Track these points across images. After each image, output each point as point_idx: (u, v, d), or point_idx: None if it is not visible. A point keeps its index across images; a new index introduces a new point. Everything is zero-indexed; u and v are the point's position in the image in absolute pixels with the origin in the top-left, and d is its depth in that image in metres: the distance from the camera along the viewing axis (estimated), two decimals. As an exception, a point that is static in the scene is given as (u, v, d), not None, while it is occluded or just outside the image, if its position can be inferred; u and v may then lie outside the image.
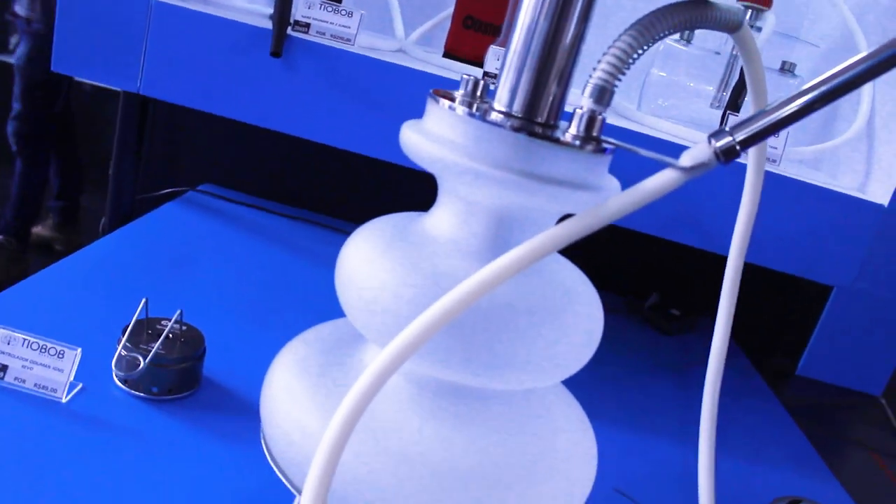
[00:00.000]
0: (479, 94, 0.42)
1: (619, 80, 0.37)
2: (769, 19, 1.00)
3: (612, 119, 0.91)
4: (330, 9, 0.87)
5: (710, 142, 0.37)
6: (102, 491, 0.49)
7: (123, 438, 0.55)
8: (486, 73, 0.90)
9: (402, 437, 0.41)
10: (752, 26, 0.99)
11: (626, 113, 0.98)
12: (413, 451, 0.40)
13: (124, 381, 0.59)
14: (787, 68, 0.99)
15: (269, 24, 0.84)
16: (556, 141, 0.38)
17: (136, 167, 1.12)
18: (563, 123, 0.42)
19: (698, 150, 0.37)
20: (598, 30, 0.43)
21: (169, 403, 0.60)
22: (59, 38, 0.86)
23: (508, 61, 0.41)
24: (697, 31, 1.04)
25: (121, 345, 0.59)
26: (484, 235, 0.41)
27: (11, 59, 2.19)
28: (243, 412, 0.62)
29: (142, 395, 0.59)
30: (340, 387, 0.43)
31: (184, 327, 0.62)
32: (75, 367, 0.57)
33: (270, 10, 0.85)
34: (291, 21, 0.86)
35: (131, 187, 1.12)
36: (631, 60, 0.38)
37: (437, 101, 0.41)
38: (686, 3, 0.39)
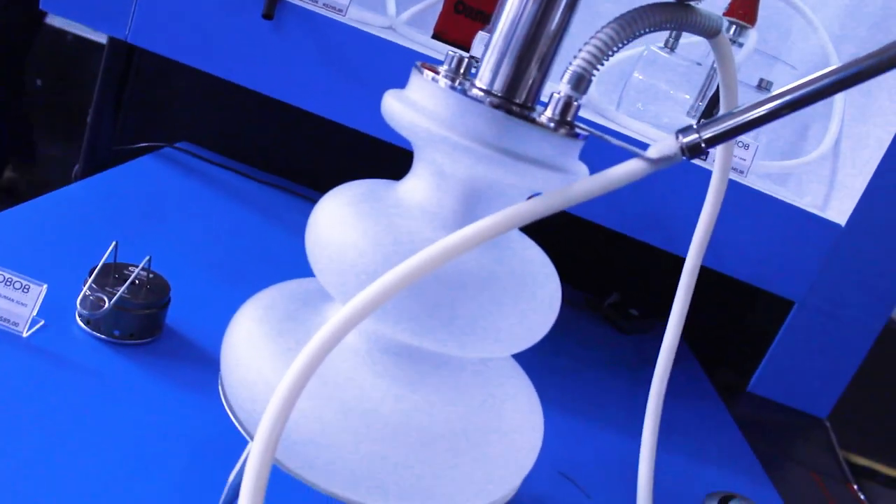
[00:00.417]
0: (461, 71, 0.43)
1: (598, 69, 0.39)
2: (751, 36, 1.03)
3: (590, 116, 0.93)
4: (324, -22, 0.88)
5: (677, 137, 0.38)
6: (57, 426, 0.50)
7: (81, 377, 0.56)
8: (471, 57, 0.92)
9: (356, 392, 0.42)
10: (734, 42, 1.01)
11: (604, 112, 1.00)
12: (365, 407, 0.42)
13: (87, 322, 0.60)
14: (763, 86, 1.02)
15: (264, -14, 0.85)
16: (532, 121, 0.40)
17: (115, 118, 1.12)
18: (539, 108, 0.43)
19: (665, 144, 0.39)
20: (583, 24, 0.44)
21: (129, 348, 0.60)
22: (50, -23, 0.85)
23: (494, 41, 0.43)
24: (682, 41, 1.06)
25: (86, 285, 0.59)
26: (454, 205, 0.43)
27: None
28: (202, 363, 0.63)
29: (103, 337, 0.60)
30: (300, 340, 0.45)
31: (151, 275, 0.63)
32: (39, 302, 0.57)
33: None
34: (285, -14, 0.86)
35: (108, 138, 1.12)
36: (611, 52, 0.39)
37: (422, 73, 0.42)
38: (669, 3, 0.41)
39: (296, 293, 0.50)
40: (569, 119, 0.41)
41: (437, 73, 0.42)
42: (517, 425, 0.46)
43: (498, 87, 0.42)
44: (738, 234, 0.89)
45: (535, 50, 0.42)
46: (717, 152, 0.50)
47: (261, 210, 1.04)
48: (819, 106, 1.10)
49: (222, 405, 0.58)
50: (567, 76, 0.39)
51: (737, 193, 0.86)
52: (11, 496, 0.43)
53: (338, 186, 0.46)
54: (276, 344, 0.44)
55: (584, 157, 0.45)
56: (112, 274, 0.61)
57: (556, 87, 0.41)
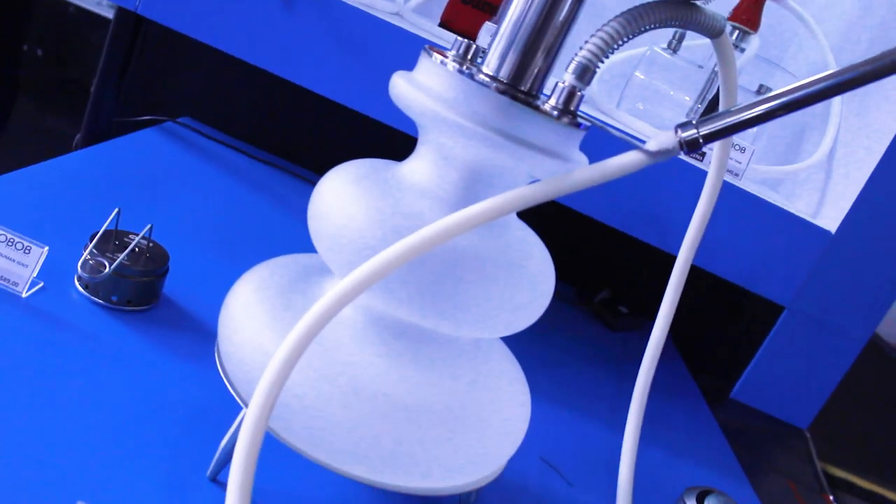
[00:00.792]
0: (469, 57, 0.44)
1: (603, 62, 0.40)
2: (754, 42, 1.04)
3: (591, 112, 0.94)
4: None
5: (676, 132, 0.39)
6: (52, 385, 0.51)
7: (78, 339, 0.56)
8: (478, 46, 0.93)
9: (349, 364, 0.43)
10: (736, 46, 1.02)
11: (605, 109, 1.01)
12: (357, 380, 0.43)
13: (85, 286, 0.61)
14: (762, 91, 1.03)
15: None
16: (536, 108, 0.41)
17: (119, 90, 1.12)
18: (543, 96, 0.44)
19: (664, 138, 0.40)
20: (585, 19, 0.45)
21: (126, 314, 0.61)
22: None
23: (502, 30, 0.43)
24: (684, 44, 1.07)
25: (87, 249, 0.60)
26: (455, 186, 0.44)
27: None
28: (196, 332, 0.64)
29: (100, 301, 0.60)
30: (298, 311, 0.46)
31: (150, 244, 0.64)
32: (40, 264, 0.58)
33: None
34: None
35: (110, 109, 1.12)
36: (616, 46, 0.40)
37: (430, 56, 0.43)
38: (676, 1, 0.42)
39: (294, 267, 0.51)
40: (572, 108, 0.42)
41: (445, 56, 0.43)
42: (506, 406, 0.47)
43: (504, 73, 0.43)
44: (730, 235, 0.90)
45: (542, 40, 0.43)
46: (714, 151, 0.51)
47: (259, 188, 1.05)
48: (816, 115, 1.12)
49: (214, 374, 0.59)
50: (572, 66, 0.40)
51: (731, 195, 0.88)
52: (2, 453, 0.44)
53: (342, 164, 0.47)
54: (274, 314, 0.45)
55: (583, 149, 0.47)
56: (112, 241, 0.62)
57: (558, 81, 0.42)
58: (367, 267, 0.37)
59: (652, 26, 0.41)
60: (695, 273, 0.53)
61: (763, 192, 0.99)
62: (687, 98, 1.05)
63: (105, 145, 0.95)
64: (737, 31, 1.02)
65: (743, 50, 1.02)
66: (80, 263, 0.60)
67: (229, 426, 0.49)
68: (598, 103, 1.02)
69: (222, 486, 0.48)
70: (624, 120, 0.98)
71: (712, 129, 0.39)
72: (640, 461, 0.58)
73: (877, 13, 1.08)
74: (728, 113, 0.39)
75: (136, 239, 0.62)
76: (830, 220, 0.95)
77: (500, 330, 0.45)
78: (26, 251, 0.58)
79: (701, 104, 1.04)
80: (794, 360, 1.06)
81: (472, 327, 0.43)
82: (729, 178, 0.90)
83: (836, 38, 1.11)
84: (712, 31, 0.45)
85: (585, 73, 0.40)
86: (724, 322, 1.22)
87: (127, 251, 0.60)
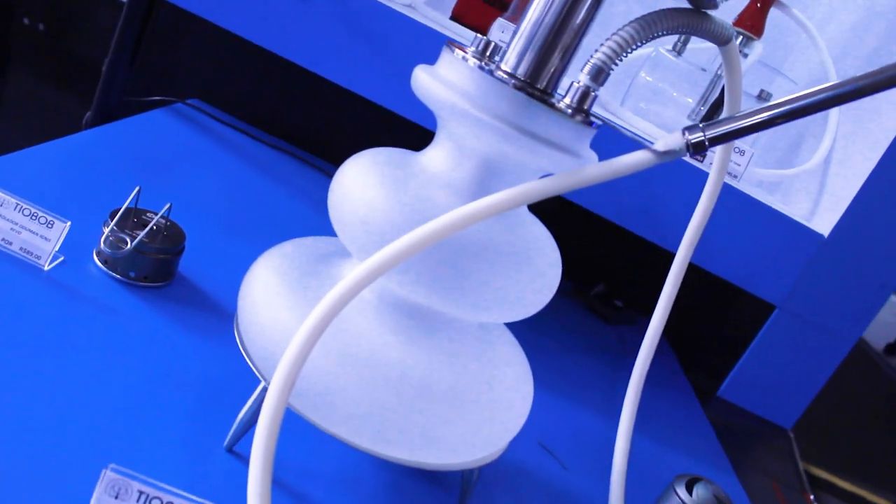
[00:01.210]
0: (487, 53, 0.46)
1: (616, 64, 0.42)
2: (757, 48, 1.07)
3: (596, 109, 0.96)
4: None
5: (683, 133, 0.42)
6: (72, 356, 0.53)
7: (97, 312, 0.58)
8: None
9: (364, 343, 0.46)
10: (740, 52, 1.05)
11: (609, 107, 1.04)
12: (372, 358, 0.45)
13: (104, 262, 0.62)
14: (763, 96, 1.06)
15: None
16: (551, 106, 0.43)
17: (130, 70, 1.13)
18: (558, 95, 0.46)
19: (672, 139, 0.42)
20: (600, 26, 0.47)
21: (143, 290, 0.63)
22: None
23: (522, 29, 0.46)
24: (689, 47, 1.09)
25: (108, 227, 0.62)
26: (471, 177, 0.46)
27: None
28: (210, 309, 0.66)
29: (119, 277, 0.62)
30: (318, 290, 0.48)
31: (168, 223, 0.65)
32: (62, 238, 0.60)
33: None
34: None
35: (120, 89, 1.14)
36: (630, 49, 0.43)
37: (452, 51, 0.45)
38: (686, 10, 0.44)
39: (312, 249, 0.53)
40: (585, 107, 0.44)
41: (465, 52, 0.45)
42: (510, 388, 0.49)
43: (522, 71, 0.45)
44: (727, 234, 0.92)
45: (559, 41, 0.45)
46: (717, 154, 0.53)
47: (268, 172, 1.06)
48: (814, 123, 1.14)
49: (227, 349, 0.61)
50: (587, 68, 0.42)
51: (729, 196, 0.90)
52: (20, 422, 0.46)
53: (363, 151, 0.49)
54: (295, 293, 0.47)
55: (592, 147, 0.49)
56: (132, 218, 0.64)
57: (572, 81, 0.44)
58: (387, 251, 0.39)
59: (664, 32, 0.44)
60: (688, 271, 0.55)
61: (760, 194, 1.02)
62: (689, 100, 1.07)
63: (118, 124, 0.96)
64: (741, 37, 1.04)
65: (746, 55, 1.05)
66: (102, 239, 0.62)
67: (243, 399, 0.51)
68: (604, 101, 1.05)
69: (238, 456, 0.50)
70: (626, 117, 1.01)
71: (717, 133, 0.41)
72: (631, 449, 0.60)
73: (878, 24, 1.10)
74: (733, 118, 0.41)
75: (156, 217, 0.64)
76: (824, 223, 0.98)
77: (510, 315, 0.47)
78: (49, 225, 0.60)
79: (703, 106, 1.07)
80: (782, 360, 1.09)
81: (483, 311, 0.45)
82: (728, 180, 0.92)
83: (837, 48, 1.14)
84: (721, 39, 0.47)
85: (600, 75, 0.42)
86: (714, 321, 1.24)
87: (147, 229, 0.62)
